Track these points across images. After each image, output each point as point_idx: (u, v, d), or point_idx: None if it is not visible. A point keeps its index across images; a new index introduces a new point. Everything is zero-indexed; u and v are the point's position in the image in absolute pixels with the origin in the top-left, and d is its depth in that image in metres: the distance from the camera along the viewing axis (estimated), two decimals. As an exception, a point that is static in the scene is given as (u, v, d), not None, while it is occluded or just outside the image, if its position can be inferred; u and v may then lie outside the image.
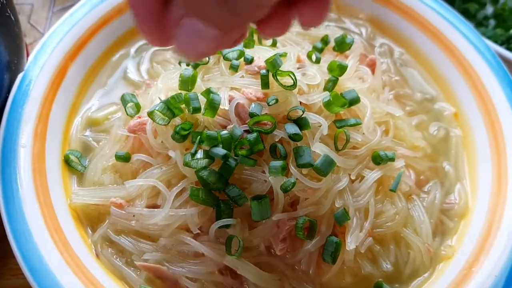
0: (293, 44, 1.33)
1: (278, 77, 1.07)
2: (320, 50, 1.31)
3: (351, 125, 1.10)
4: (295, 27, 1.39)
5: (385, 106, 1.20)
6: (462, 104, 1.30)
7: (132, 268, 1.05)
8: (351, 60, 1.24)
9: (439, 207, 1.16)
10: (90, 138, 1.22)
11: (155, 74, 1.32)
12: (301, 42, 1.35)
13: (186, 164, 1.01)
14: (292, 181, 0.99)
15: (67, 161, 1.17)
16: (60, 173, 1.14)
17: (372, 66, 1.29)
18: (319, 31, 1.39)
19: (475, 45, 1.32)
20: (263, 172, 1.02)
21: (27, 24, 1.69)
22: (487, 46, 1.32)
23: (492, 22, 1.70)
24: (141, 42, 1.40)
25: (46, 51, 1.23)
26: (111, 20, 1.34)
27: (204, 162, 1.01)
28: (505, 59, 1.35)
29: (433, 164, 1.23)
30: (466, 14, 1.68)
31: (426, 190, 1.19)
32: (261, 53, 1.20)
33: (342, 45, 1.31)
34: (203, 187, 1.01)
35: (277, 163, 0.99)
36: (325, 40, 1.34)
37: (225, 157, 1.00)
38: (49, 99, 1.18)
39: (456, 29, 1.35)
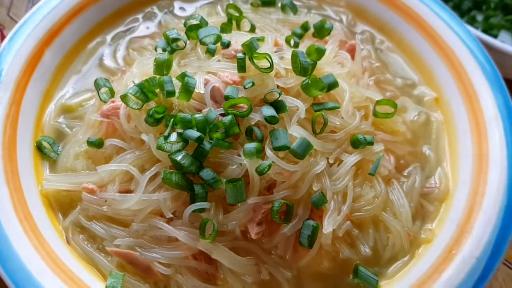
0: (273, 30, 1.31)
1: (254, 60, 1.05)
2: (300, 36, 1.29)
3: (329, 109, 1.08)
4: (276, 14, 1.38)
5: (364, 91, 1.18)
6: (443, 89, 1.28)
7: (103, 254, 1.02)
8: (330, 45, 1.22)
9: (419, 191, 1.15)
10: (64, 125, 1.20)
11: (131, 61, 1.30)
12: (281, 29, 1.33)
13: (160, 148, 0.98)
14: (268, 163, 0.97)
15: (39, 148, 1.14)
16: (31, 160, 1.12)
17: (352, 51, 1.27)
18: (300, 18, 1.38)
19: (456, 31, 1.31)
20: (239, 155, 1.00)
21: (6, 17, 1.67)
22: (468, 31, 1.31)
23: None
24: (118, 29, 1.38)
25: (20, 37, 1.20)
26: (88, 7, 1.33)
27: (178, 145, 0.99)
28: (486, 44, 1.34)
29: (413, 148, 1.21)
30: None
31: (406, 174, 1.17)
32: (238, 38, 1.18)
33: (321, 30, 1.30)
34: (176, 170, 0.99)
35: (252, 145, 0.97)
36: (304, 27, 1.32)
37: (199, 140, 0.97)
38: (22, 85, 1.16)
39: (436, 15, 1.34)
